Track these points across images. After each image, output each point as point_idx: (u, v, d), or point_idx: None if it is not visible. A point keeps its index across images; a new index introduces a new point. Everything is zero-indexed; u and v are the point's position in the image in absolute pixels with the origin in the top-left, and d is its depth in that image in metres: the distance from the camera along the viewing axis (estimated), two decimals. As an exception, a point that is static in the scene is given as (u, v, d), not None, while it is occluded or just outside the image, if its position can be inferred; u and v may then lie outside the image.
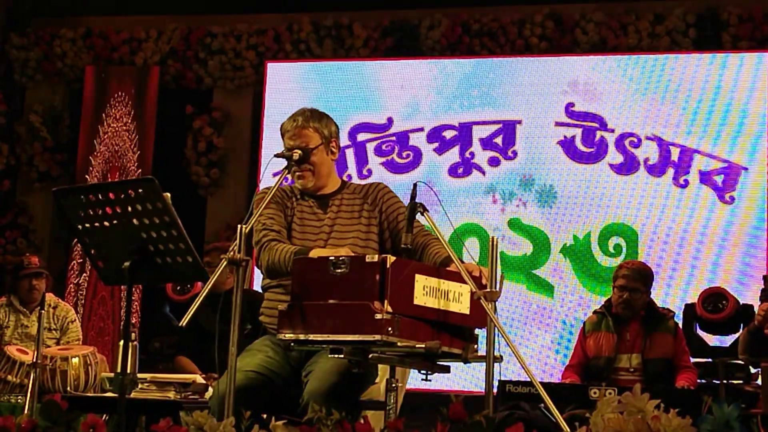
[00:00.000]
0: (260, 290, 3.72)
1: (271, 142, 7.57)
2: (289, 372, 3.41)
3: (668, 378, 4.99)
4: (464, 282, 3.08)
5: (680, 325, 5.49)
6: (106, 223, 2.89)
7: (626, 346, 5.09)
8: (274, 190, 3.39)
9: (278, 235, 3.49)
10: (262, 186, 3.64)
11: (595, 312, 5.33)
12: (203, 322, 4.64)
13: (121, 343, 3.09)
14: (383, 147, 7.75)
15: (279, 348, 3.41)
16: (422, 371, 3.15)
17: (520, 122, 7.51)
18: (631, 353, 5.07)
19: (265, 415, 3.43)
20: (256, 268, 3.60)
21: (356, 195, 3.66)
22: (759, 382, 5.15)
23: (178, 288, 6.80)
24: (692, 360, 5.29)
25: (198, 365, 5.22)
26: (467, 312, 3.11)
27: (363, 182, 3.80)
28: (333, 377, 3.18)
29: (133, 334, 6.83)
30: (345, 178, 3.83)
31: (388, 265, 2.89)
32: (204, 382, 4.31)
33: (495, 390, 3.06)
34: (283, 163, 3.52)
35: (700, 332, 6.19)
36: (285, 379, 3.40)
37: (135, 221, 2.84)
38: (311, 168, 3.58)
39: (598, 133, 7.35)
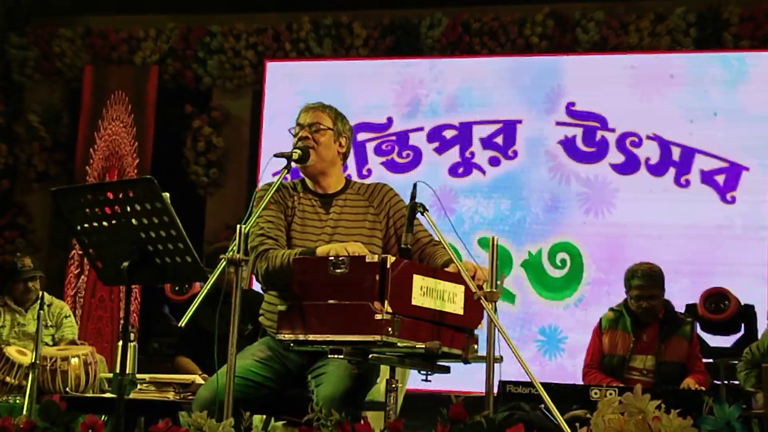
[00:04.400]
0: (260, 291, 3.68)
1: (271, 142, 7.55)
2: (286, 375, 3.37)
3: (680, 381, 4.99)
4: (459, 282, 3.07)
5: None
6: (105, 223, 2.88)
7: (642, 347, 5.08)
8: (274, 189, 3.33)
9: (275, 243, 3.39)
10: (261, 183, 3.57)
11: (611, 309, 5.30)
12: (203, 322, 4.63)
13: (120, 343, 3.07)
14: (383, 147, 7.73)
15: (274, 351, 3.38)
16: (422, 371, 3.14)
17: (520, 122, 7.50)
18: (646, 354, 5.05)
19: (264, 416, 3.42)
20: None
21: (361, 195, 3.59)
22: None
23: (177, 288, 6.79)
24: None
25: (198, 365, 5.21)
26: (461, 312, 3.10)
27: (366, 182, 3.73)
28: (347, 381, 3.15)
29: (132, 335, 6.82)
30: (346, 177, 3.74)
31: (387, 266, 2.88)
32: (204, 382, 4.29)
33: (495, 390, 3.05)
34: (283, 162, 3.48)
35: (700, 332, 6.18)
36: (281, 383, 3.36)
37: (134, 221, 2.83)
38: (315, 145, 3.51)
39: (599, 133, 7.34)
